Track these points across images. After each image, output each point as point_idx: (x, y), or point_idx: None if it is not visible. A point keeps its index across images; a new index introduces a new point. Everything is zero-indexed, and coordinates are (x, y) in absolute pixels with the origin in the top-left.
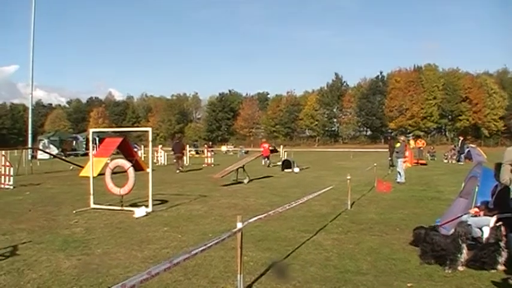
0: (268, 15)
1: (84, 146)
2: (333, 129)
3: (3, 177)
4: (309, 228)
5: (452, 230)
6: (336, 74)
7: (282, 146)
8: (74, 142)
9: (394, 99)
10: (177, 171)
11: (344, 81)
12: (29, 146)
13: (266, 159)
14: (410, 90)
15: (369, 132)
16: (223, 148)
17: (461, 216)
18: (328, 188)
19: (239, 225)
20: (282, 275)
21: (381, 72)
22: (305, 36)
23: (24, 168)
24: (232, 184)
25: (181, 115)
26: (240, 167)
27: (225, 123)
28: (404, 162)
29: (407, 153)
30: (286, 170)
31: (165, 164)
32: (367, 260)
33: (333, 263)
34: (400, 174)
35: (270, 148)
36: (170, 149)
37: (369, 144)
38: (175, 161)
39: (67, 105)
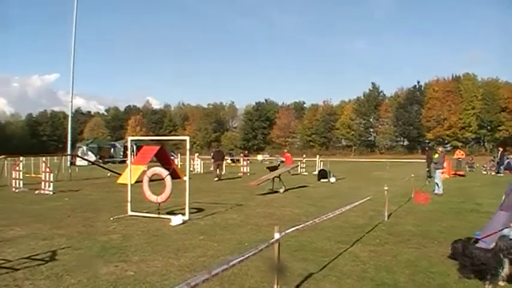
0: (305, 24)
1: (122, 153)
2: (370, 139)
3: (43, 182)
4: (346, 239)
5: (493, 244)
6: (372, 83)
7: (318, 156)
8: (112, 149)
9: (431, 109)
10: (216, 179)
11: (381, 91)
12: (68, 152)
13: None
14: (448, 100)
15: (405, 143)
16: (259, 157)
17: (503, 230)
18: (365, 199)
19: (276, 235)
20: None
21: (418, 82)
22: (342, 45)
23: (63, 175)
24: (268, 193)
25: (218, 124)
26: (276, 176)
27: (261, 132)
28: (442, 173)
29: (445, 164)
30: (322, 180)
31: (201, 172)
32: (405, 273)
33: (370, 275)
34: (438, 185)
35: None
36: (208, 157)
37: (405, 155)
38: (212, 168)
39: (105, 113)
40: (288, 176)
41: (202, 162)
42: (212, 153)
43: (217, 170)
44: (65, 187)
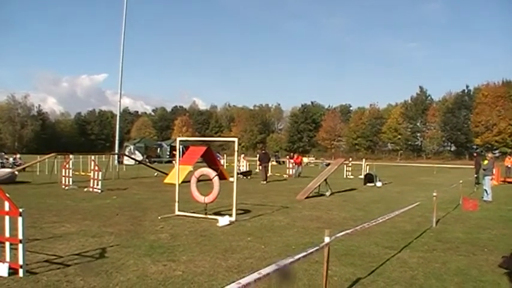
0: (352, 27)
1: (168, 153)
2: (416, 143)
3: (92, 180)
4: (394, 244)
5: None
6: (420, 87)
7: (364, 160)
8: (159, 149)
9: (480, 114)
10: (263, 182)
11: (429, 95)
12: (116, 151)
13: (298, 168)
14: (498, 105)
15: (453, 148)
16: (305, 160)
17: None
18: (414, 205)
19: (326, 239)
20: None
21: (467, 86)
22: (390, 48)
23: (111, 173)
24: (314, 196)
25: (263, 125)
26: (323, 181)
27: (307, 134)
28: (491, 179)
29: (494, 171)
30: (368, 184)
31: None
32: (455, 281)
33: (419, 282)
34: (487, 192)
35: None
36: (254, 158)
37: (453, 160)
38: (258, 170)
39: (152, 113)
40: (334, 179)
41: (248, 163)
42: (258, 155)
43: (264, 172)
44: (113, 185)
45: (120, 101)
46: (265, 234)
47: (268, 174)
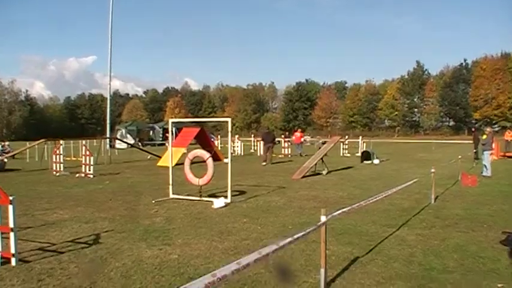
0: (345, 2)
1: (161, 135)
2: (414, 119)
3: (83, 166)
4: (391, 222)
5: None
6: (417, 62)
7: (360, 137)
8: (151, 132)
9: (479, 88)
10: (264, 163)
11: (426, 70)
12: (107, 135)
13: (299, 147)
14: (497, 79)
15: (451, 123)
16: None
17: None
18: (411, 182)
19: (323, 218)
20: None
21: (465, 60)
22: (385, 22)
23: (103, 158)
24: (310, 176)
25: (257, 105)
26: (320, 159)
27: (302, 113)
28: (490, 154)
29: (493, 146)
30: (365, 162)
31: (242, 154)
32: (454, 257)
33: (418, 260)
34: (486, 167)
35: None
36: (248, 139)
37: (451, 136)
38: (262, 153)
39: (143, 95)
40: (330, 158)
41: (242, 144)
42: (262, 136)
43: (267, 153)
44: (105, 170)
45: (110, 84)
46: (262, 215)
47: (272, 155)
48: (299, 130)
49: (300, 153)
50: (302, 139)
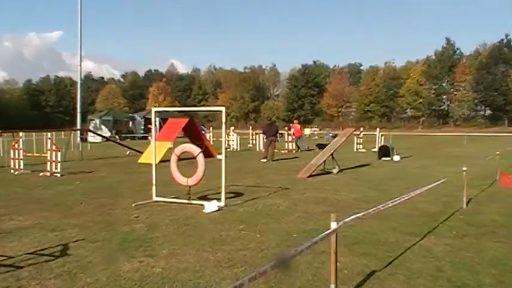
0: None
1: (143, 127)
2: (442, 108)
3: (48, 163)
4: (415, 230)
5: None
6: (447, 39)
7: (378, 129)
8: (131, 123)
9: None
10: (264, 160)
11: (457, 49)
12: (78, 127)
13: (302, 140)
14: None
15: (488, 112)
16: (307, 131)
17: None
18: (438, 182)
19: (333, 225)
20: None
21: (506, 36)
22: None
23: (72, 153)
24: (318, 175)
25: (257, 91)
26: (330, 155)
27: (309, 100)
28: None
29: None
30: (383, 158)
31: (238, 149)
32: (491, 273)
33: (447, 275)
34: None
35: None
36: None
37: (487, 127)
38: (263, 148)
39: (121, 79)
40: (342, 154)
41: (239, 137)
42: (263, 128)
43: (269, 148)
44: (76, 168)
45: (80, 65)
46: (261, 221)
47: (274, 151)
48: (296, 121)
49: (306, 148)
50: (309, 131)
